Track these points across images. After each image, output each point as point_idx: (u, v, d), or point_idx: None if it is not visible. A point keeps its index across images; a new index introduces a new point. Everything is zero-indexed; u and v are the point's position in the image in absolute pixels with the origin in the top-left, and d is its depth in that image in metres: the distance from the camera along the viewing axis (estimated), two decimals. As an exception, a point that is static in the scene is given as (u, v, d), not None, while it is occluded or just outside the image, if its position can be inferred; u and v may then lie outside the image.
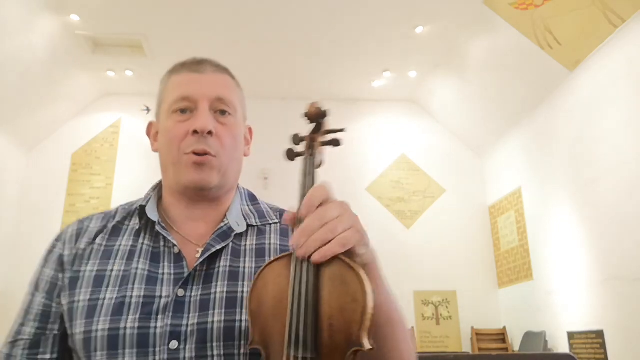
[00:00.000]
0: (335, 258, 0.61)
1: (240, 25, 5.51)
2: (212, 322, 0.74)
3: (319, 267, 0.62)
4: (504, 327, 6.12)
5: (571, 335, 4.82)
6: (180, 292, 0.76)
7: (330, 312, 0.60)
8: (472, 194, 6.91)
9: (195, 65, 0.88)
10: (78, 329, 0.75)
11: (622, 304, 4.20)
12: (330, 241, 0.61)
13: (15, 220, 6.21)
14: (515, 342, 5.86)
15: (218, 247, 0.80)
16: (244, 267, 0.80)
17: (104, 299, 0.76)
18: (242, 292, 0.77)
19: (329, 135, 0.77)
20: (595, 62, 4.65)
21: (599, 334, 4.41)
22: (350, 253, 0.62)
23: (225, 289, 0.77)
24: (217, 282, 0.77)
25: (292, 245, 0.63)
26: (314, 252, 0.60)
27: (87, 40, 5.74)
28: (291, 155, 0.76)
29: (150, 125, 0.93)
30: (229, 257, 0.80)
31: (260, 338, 0.66)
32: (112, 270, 0.79)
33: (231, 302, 0.75)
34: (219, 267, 0.79)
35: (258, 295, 0.66)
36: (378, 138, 7.08)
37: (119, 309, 0.74)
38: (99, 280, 0.78)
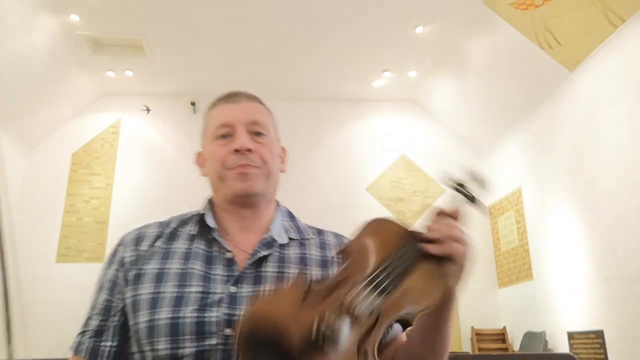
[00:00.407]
0: (441, 259, 0.79)
1: (240, 25, 5.51)
2: None
3: (425, 254, 0.80)
4: (504, 327, 6.12)
5: (571, 335, 4.82)
6: (233, 289, 0.87)
7: (410, 286, 0.77)
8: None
9: (230, 97, 1.04)
10: (142, 318, 0.86)
11: (622, 304, 4.20)
12: (456, 243, 0.81)
13: (15, 220, 6.21)
14: (515, 342, 5.86)
15: (265, 253, 0.92)
16: (291, 273, 0.91)
17: (166, 292, 0.87)
18: None
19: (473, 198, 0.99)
20: (595, 62, 4.65)
21: (599, 334, 4.41)
22: (451, 265, 0.81)
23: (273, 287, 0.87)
24: (265, 282, 0.89)
25: (428, 226, 0.85)
26: (438, 243, 0.81)
27: (87, 40, 5.74)
28: (457, 188, 0.96)
29: (198, 155, 1.07)
30: (276, 264, 0.92)
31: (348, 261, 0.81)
32: (171, 269, 0.90)
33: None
34: (267, 271, 0.91)
35: (367, 234, 0.84)
36: (378, 138, 7.08)
37: (179, 301, 0.85)
38: (160, 277, 0.90)
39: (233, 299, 0.85)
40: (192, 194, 6.50)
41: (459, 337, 6.32)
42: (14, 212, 6.24)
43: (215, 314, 0.84)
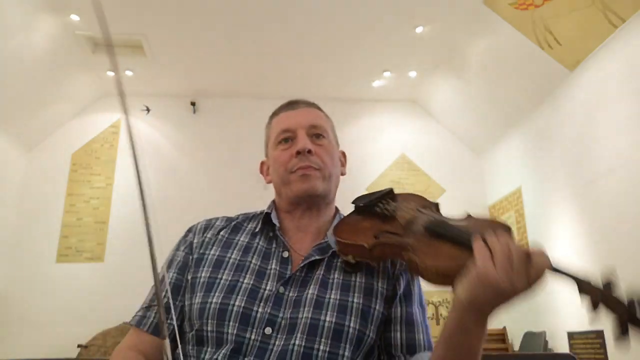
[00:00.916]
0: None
1: (240, 25, 5.51)
2: (302, 318, 0.87)
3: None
4: (504, 327, 6.12)
5: (571, 335, 4.82)
6: (281, 289, 0.91)
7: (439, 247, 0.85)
8: (472, 194, 6.91)
9: (290, 105, 1.10)
10: (197, 299, 0.91)
11: (622, 304, 4.20)
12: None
13: (15, 220, 6.21)
14: (515, 342, 5.85)
15: (317, 258, 0.95)
16: (333, 279, 0.93)
17: (221, 279, 0.93)
18: (329, 299, 0.90)
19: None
20: (595, 62, 4.65)
21: (599, 334, 4.41)
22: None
23: (315, 292, 0.90)
24: (310, 287, 0.92)
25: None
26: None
27: (87, 40, 5.74)
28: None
29: (262, 164, 1.12)
30: (322, 269, 0.95)
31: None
32: (230, 258, 0.97)
33: (318, 304, 0.88)
34: (313, 275, 0.94)
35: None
36: (378, 138, 7.08)
37: (231, 289, 0.91)
38: (218, 263, 0.96)
39: (279, 300, 0.89)
40: (192, 193, 6.52)
41: (459, 337, 6.32)
42: (14, 213, 6.24)
43: (260, 310, 0.88)
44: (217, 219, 1.08)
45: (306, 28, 5.62)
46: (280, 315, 0.87)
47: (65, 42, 5.61)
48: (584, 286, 0.80)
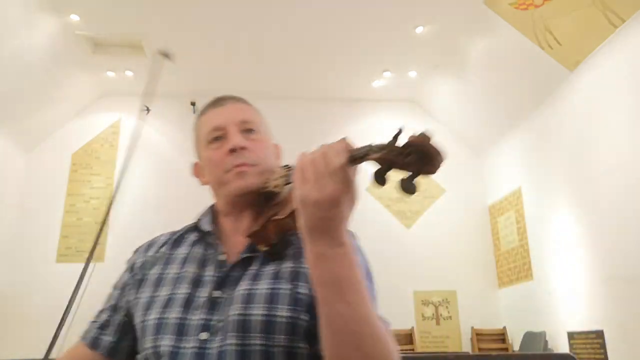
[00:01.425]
0: None
1: (240, 25, 5.51)
2: (233, 315, 0.85)
3: None
4: (504, 327, 6.12)
5: (571, 335, 4.82)
6: (216, 293, 0.89)
7: None
8: (472, 194, 6.91)
9: (217, 102, 1.05)
10: (139, 319, 0.92)
11: (622, 304, 4.20)
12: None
13: (15, 220, 6.21)
14: (515, 342, 5.86)
15: (249, 255, 0.92)
16: (265, 271, 0.90)
17: (159, 295, 0.92)
18: (259, 291, 0.87)
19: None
20: (595, 62, 4.65)
21: (599, 334, 4.41)
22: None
23: (246, 287, 0.88)
24: (242, 283, 0.89)
25: None
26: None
27: (87, 40, 5.74)
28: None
29: (195, 166, 1.07)
30: (258, 264, 0.91)
31: None
32: (169, 273, 0.96)
33: (249, 299, 0.86)
34: (247, 271, 0.90)
35: None
36: (378, 138, 7.04)
37: (167, 303, 0.90)
38: (158, 282, 0.95)
39: (213, 304, 0.87)
40: (192, 193, 6.52)
41: (459, 337, 6.32)
42: (14, 213, 6.24)
43: (195, 317, 0.86)
44: (161, 235, 1.07)
45: (306, 28, 5.62)
46: (215, 317, 0.85)
47: (65, 42, 5.61)
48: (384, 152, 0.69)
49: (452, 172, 6.99)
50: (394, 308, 6.33)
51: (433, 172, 0.61)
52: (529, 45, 5.01)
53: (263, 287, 0.87)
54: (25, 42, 5.18)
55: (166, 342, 0.85)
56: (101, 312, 1.02)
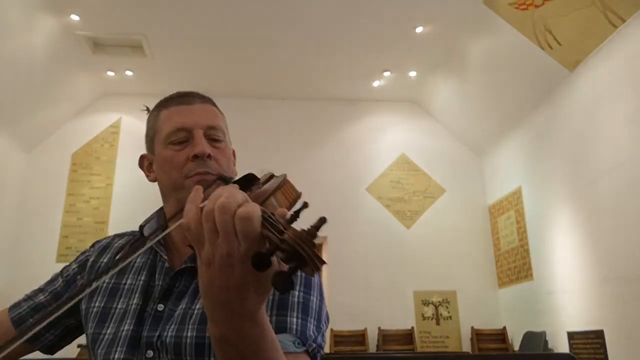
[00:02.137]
0: None
1: (240, 25, 5.51)
2: (167, 336, 0.80)
3: None
4: (504, 327, 6.12)
5: (571, 335, 4.82)
6: (160, 306, 0.85)
7: None
8: (472, 194, 6.91)
9: (182, 97, 0.97)
10: (90, 330, 0.89)
11: (622, 304, 4.20)
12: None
13: (15, 220, 6.21)
14: (515, 342, 5.86)
15: (190, 265, 0.87)
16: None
17: (116, 308, 0.89)
18: (194, 310, 0.82)
19: None
20: (595, 62, 4.65)
21: (599, 334, 4.41)
22: None
23: (184, 306, 0.83)
24: (183, 300, 0.84)
25: None
26: None
27: (87, 40, 5.74)
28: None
29: (142, 158, 1.01)
30: (193, 278, 0.87)
31: None
32: (125, 284, 0.92)
33: (183, 319, 0.81)
34: (191, 285, 0.86)
35: None
36: (378, 138, 7.08)
37: (123, 316, 0.87)
38: (113, 292, 0.91)
39: (157, 319, 0.83)
40: (192, 194, 6.52)
41: (459, 337, 6.32)
42: (15, 213, 6.24)
43: (145, 333, 0.82)
44: (122, 235, 1.03)
45: (306, 28, 5.62)
46: (157, 334, 0.81)
47: (65, 42, 5.61)
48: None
49: (452, 172, 7.00)
50: (394, 308, 6.36)
51: (310, 274, 0.50)
52: (529, 45, 5.01)
53: (200, 305, 0.81)
54: (25, 42, 5.18)
55: (117, 356, 0.82)
56: (40, 291, 0.99)
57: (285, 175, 0.72)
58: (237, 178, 0.84)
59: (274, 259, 0.50)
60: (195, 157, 0.89)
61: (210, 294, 0.55)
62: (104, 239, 1.04)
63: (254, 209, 0.51)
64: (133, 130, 6.78)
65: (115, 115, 6.82)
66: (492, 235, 6.71)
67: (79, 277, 0.99)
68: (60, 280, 1.00)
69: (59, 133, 6.68)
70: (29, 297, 0.99)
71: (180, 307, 0.83)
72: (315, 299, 0.84)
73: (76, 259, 1.03)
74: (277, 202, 0.63)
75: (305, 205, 0.56)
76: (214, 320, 0.57)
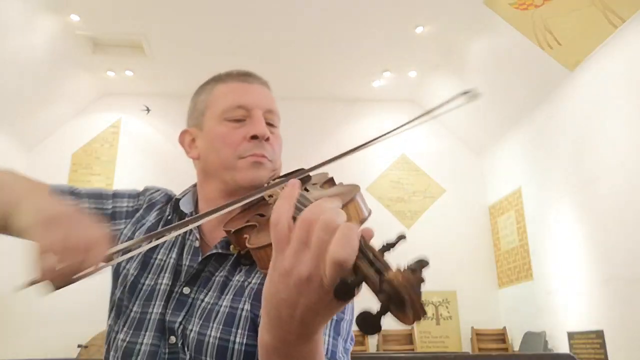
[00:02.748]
0: None
1: (240, 25, 5.51)
2: (190, 330, 0.77)
3: None
4: (504, 327, 6.12)
5: (571, 335, 4.82)
6: (186, 290, 0.81)
7: None
8: (472, 194, 6.91)
9: (243, 76, 0.94)
10: (119, 295, 0.86)
11: (622, 304, 4.20)
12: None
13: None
14: (515, 342, 5.86)
15: (221, 252, 0.82)
16: (233, 281, 0.81)
17: (144, 284, 0.85)
18: (219, 307, 0.78)
19: None
20: (595, 62, 4.65)
21: (599, 334, 4.41)
22: None
23: (210, 300, 0.80)
24: (210, 290, 0.81)
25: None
26: None
27: (87, 40, 5.74)
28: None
29: (184, 133, 0.94)
30: (227, 267, 0.83)
31: None
32: (155, 259, 0.87)
33: (207, 316, 0.78)
34: (218, 273, 0.82)
35: None
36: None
37: (150, 295, 0.83)
38: (145, 265, 0.87)
39: (181, 303, 0.80)
40: (192, 194, 6.51)
41: (459, 337, 6.32)
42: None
43: (170, 318, 0.79)
44: (169, 198, 0.97)
45: (306, 28, 5.62)
46: (180, 320, 0.78)
47: (65, 42, 5.61)
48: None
49: (452, 172, 7.00)
50: (394, 308, 6.35)
51: (406, 323, 0.43)
52: (529, 45, 5.01)
53: (226, 303, 0.78)
54: (25, 42, 5.18)
55: (145, 340, 0.79)
56: (87, 198, 0.92)
57: (358, 188, 0.67)
58: (287, 172, 0.82)
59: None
60: (254, 137, 0.85)
61: (273, 305, 0.49)
62: (155, 191, 0.98)
63: (354, 238, 0.44)
64: (133, 130, 6.78)
65: (115, 115, 6.83)
66: (492, 235, 6.71)
67: (124, 220, 0.92)
68: (110, 205, 0.92)
69: (59, 133, 6.68)
70: (72, 192, 0.92)
71: (206, 298, 0.80)
72: (347, 318, 0.80)
73: (130, 195, 0.96)
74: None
75: (401, 237, 0.50)
76: (267, 329, 0.52)
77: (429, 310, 6.42)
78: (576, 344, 4.72)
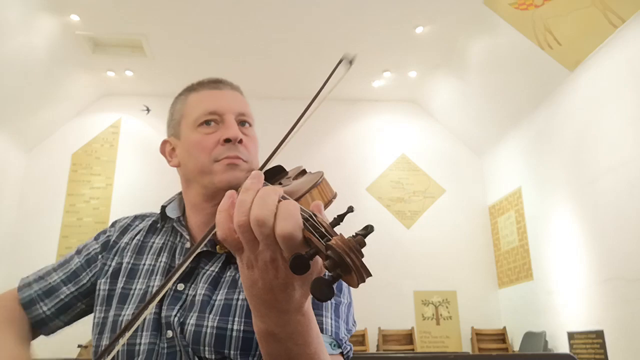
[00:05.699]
0: None
1: (239, 25, 5.51)
2: (188, 324, 0.80)
3: None
4: (504, 327, 6.12)
5: (571, 335, 4.82)
6: (180, 286, 0.84)
7: None
8: (472, 194, 6.91)
9: (214, 83, 0.99)
10: (112, 311, 0.87)
11: (622, 304, 4.20)
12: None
13: (15, 220, 6.21)
14: (515, 342, 5.86)
15: (210, 250, 0.86)
16: (225, 276, 0.84)
17: (135, 289, 0.88)
18: (214, 300, 0.82)
19: None
20: (595, 62, 4.65)
21: (599, 334, 4.41)
22: None
23: (203, 292, 0.82)
24: (200, 284, 0.83)
25: None
26: None
27: (87, 40, 5.74)
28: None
29: (165, 143, 1.00)
30: (218, 265, 0.86)
31: None
32: (144, 265, 0.91)
33: (202, 308, 0.81)
34: (207, 270, 0.85)
35: None
36: (378, 138, 7.08)
37: (143, 297, 0.86)
38: (132, 273, 0.90)
39: (175, 299, 0.83)
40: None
41: (459, 337, 6.32)
42: (14, 213, 6.24)
43: (164, 314, 0.82)
44: (142, 217, 1.02)
45: (306, 29, 5.62)
46: (175, 314, 0.81)
47: (65, 42, 5.61)
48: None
49: (452, 172, 7.00)
50: (394, 308, 6.35)
51: (352, 285, 0.47)
52: (529, 45, 5.01)
53: (221, 296, 0.81)
54: (25, 42, 5.18)
55: (143, 340, 0.81)
56: (52, 271, 0.94)
57: (322, 173, 0.71)
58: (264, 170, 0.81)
59: (316, 260, 0.49)
60: (227, 140, 0.88)
61: (255, 294, 0.55)
62: (125, 218, 1.02)
63: (294, 213, 0.48)
64: (133, 130, 6.78)
65: (115, 116, 6.82)
66: (492, 235, 6.71)
67: (100, 256, 0.95)
68: (77, 259, 0.95)
69: (59, 133, 6.68)
70: (40, 278, 0.95)
71: (200, 291, 0.82)
72: (345, 301, 0.83)
73: (96, 237, 0.99)
74: (313, 201, 0.59)
75: (350, 209, 0.54)
76: (259, 317, 0.57)
77: (429, 310, 6.42)
78: (576, 344, 4.73)
